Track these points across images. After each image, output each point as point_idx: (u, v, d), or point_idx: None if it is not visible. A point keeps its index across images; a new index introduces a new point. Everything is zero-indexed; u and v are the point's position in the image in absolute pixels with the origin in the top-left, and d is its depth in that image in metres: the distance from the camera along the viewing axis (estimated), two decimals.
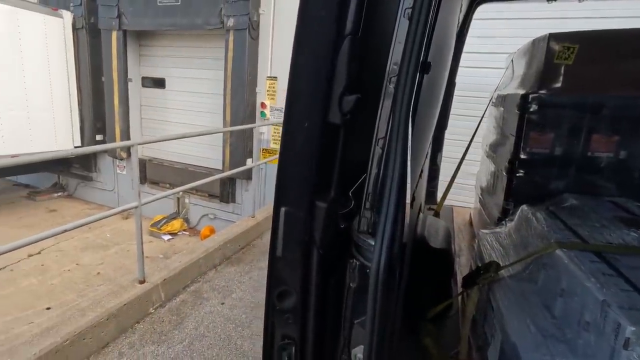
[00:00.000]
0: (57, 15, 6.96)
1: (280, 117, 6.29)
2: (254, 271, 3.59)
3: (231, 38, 6.15)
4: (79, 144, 7.62)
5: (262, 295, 3.17)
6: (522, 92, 2.16)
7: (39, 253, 5.75)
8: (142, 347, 2.49)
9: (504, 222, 2.05)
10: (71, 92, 7.41)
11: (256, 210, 4.53)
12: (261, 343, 2.72)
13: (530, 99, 2.04)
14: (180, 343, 2.55)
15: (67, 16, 7.12)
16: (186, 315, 2.86)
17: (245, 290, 3.25)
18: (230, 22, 6.06)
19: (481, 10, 3.03)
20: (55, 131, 7.18)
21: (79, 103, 7.60)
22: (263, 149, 6.49)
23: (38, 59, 6.70)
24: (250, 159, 6.50)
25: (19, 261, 5.39)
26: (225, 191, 6.96)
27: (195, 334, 2.65)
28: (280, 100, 6.30)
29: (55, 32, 6.92)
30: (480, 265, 1.76)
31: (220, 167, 6.87)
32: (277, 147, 6.31)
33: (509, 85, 2.77)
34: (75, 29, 7.30)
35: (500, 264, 1.59)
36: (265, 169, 6.56)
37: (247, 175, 6.46)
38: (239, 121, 6.34)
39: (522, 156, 2.14)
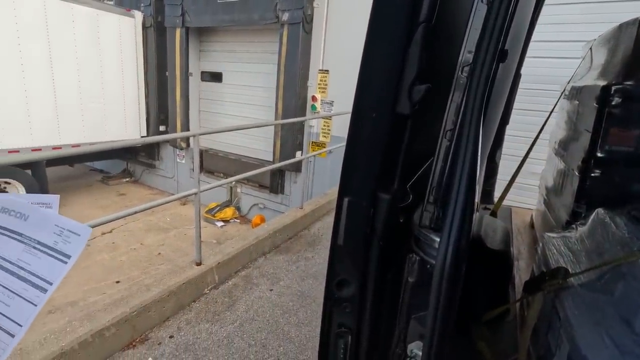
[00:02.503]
0: (129, 15, 7.59)
1: (330, 111, 6.30)
2: (300, 261, 3.67)
3: (285, 32, 6.26)
4: (145, 134, 8.30)
5: (308, 285, 3.24)
6: (602, 83, 1.95)
7: (111, 232, 6.39)
8: (198, 324, 2.68)
9: (574, 225, 1.87)
10: (140, 86, 8.07)
11: (304, 202, 4.60)
12: (307, 331, 2.77)
13: (612, 91, 1.83)
14: (231, 324, 2.70)
15: (138, 16, 7.73)
16: (237, 298, 3.01)
17: (292, 278, 3.34)
18: (285, 17, 6.17)
19: None
20: (126, 122, 7.88)
21: (145, 96, 8.26)
22: (312, 142, 6.56)
23: (113, 56, 7.37)
24: (300, 152, 6.61)
25: (94, 238, 6.04)
26: (275, 182, 7.16)
27: (246, 316, 2.79)
28: (332, 94, 6.30)
29: (128, 31, 7.56)
30: (545, 270, 1.63)
31: (270, 158, 7.08)
32: (326, 140, 6.36)
33: (586, 76, 2.51)
34: (144, 27, 7.91)
35: (570, 270, 1.46)
36: (313, 161, 6.63)
37: (297, 167, 6.59)
38: (290, 114, 6.46)
39: (599, 154, 1.94)
